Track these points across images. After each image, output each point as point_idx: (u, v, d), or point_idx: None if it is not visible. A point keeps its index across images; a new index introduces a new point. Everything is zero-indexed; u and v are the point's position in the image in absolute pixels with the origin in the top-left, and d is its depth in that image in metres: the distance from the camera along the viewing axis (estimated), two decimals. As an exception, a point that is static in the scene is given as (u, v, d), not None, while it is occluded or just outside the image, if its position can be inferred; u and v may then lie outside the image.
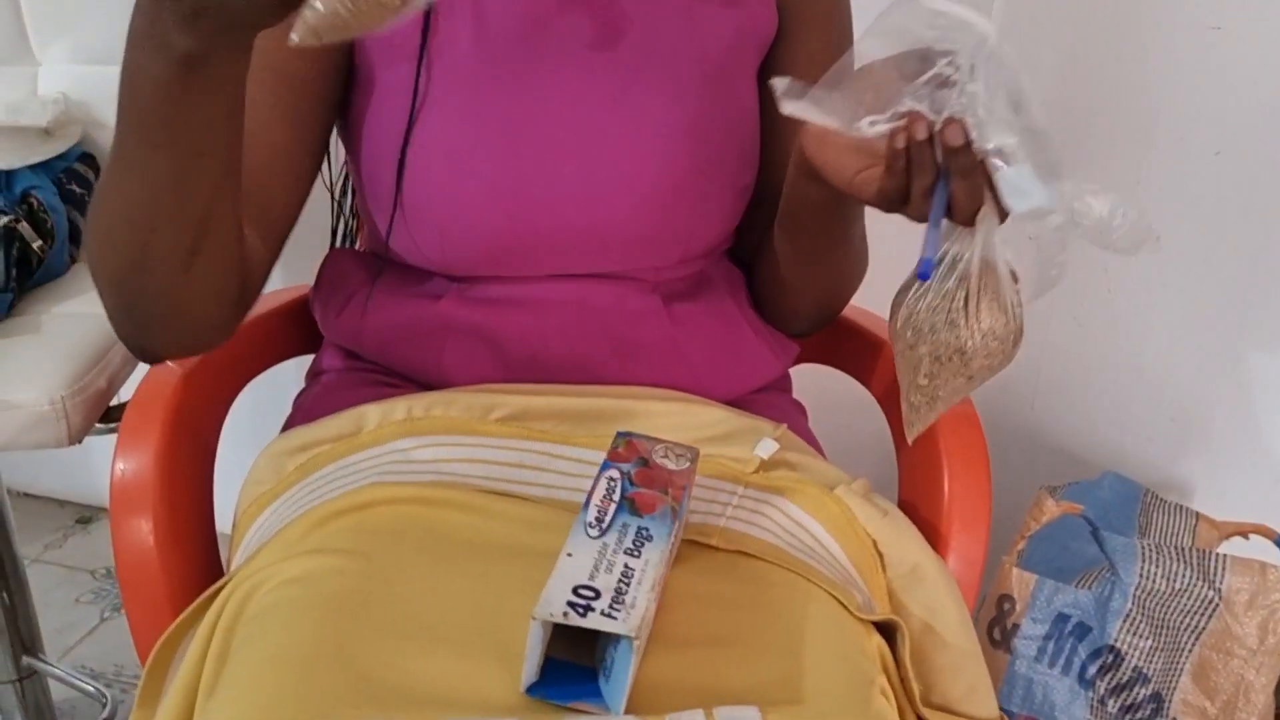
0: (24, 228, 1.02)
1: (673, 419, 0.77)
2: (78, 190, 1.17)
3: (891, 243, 0.81)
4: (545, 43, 0.76)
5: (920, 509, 0.85)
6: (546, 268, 0.78)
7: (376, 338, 0.83)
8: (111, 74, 1.29)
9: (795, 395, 0.93)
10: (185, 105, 0.56)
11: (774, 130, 0.83)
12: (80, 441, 0.95)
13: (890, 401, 0.92)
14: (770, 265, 0.85)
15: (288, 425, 0.88)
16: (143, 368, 1.03)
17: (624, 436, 0.68)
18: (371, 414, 0.78)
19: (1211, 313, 1.28)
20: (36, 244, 1.03)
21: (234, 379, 0.94)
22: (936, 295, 0.67)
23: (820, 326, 0.91)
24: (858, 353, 0.96)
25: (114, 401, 1.01)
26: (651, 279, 0.81)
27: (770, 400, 0.87)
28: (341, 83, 0.79)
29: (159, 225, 0.61)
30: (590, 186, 0.76)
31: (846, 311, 0.91)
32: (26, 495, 1.87)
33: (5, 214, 1.00)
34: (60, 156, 1.16)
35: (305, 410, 0.86)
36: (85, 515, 1.86)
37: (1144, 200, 1.24)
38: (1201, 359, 1.30)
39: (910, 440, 0.74)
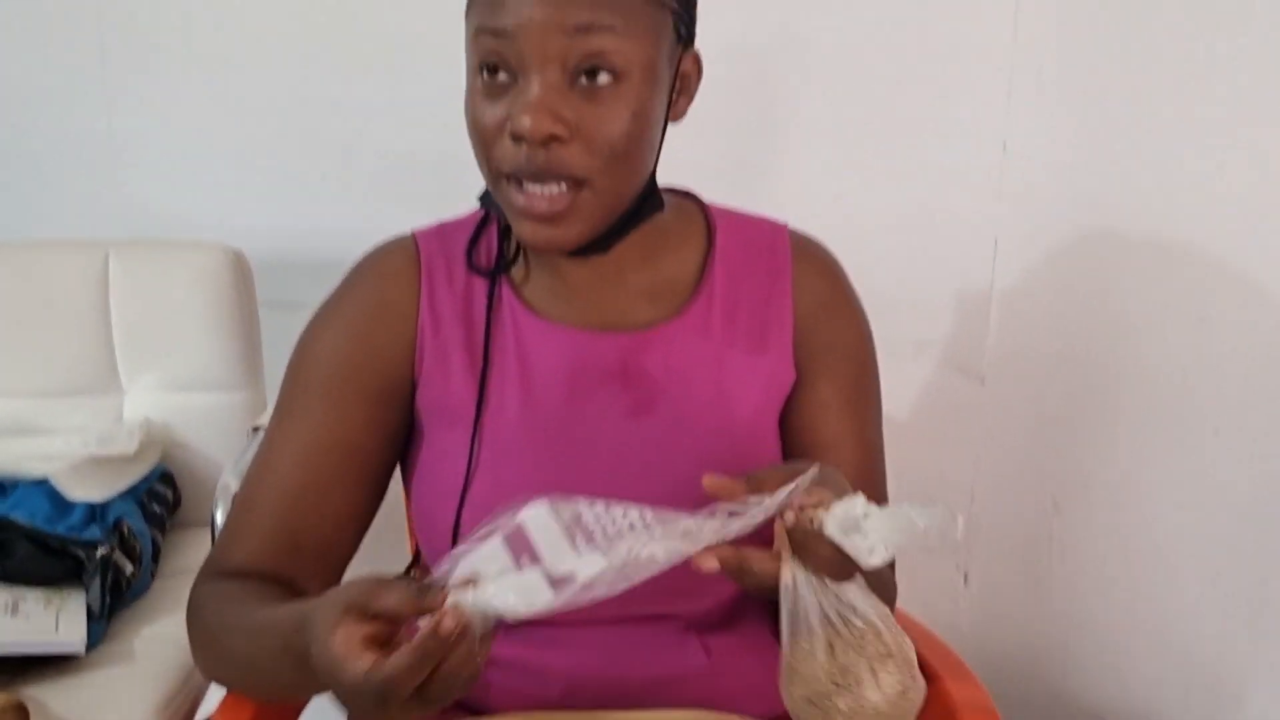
0: (118, 556, 1.09)
1: None
2: (158, 510, 1.25)
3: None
4: (583, 417, 0.83)
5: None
6: (584, 615, 0.84)
7: None
8: (193, 400, 1.40)
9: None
10: None
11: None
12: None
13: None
14: None
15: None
16: (216, 689, 1.09)
17: None
18: None
19: (1229, 581, 1.33)
20: (128, 570, 1.11)
21: (300, 702, 0.99)
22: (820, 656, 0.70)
23: None
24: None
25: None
26: (686, 617, 0.85)
27: None
28: (402, 444, 0.87)
29: (275, 694, 0.79)
30: None
31: None
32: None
33: (102, 545, 1.08)
34: (143, 478, 1.25)
35: None
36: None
37: (1149, 476, 1.33)
38: (1225, 623, 1.34)
39: None
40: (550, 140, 0.72)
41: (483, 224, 0.88)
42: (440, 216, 0.99)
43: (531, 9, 0.71)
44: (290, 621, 0.68)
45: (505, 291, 0.85)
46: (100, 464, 1.20)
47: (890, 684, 0.70)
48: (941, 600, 1.50)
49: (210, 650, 0.81)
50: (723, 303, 0.86)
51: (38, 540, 1.08)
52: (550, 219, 0.75)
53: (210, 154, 1.58)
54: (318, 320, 0.86)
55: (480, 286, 0.85)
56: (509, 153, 0.73)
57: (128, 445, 1.24)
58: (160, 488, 1.28)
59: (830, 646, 0.69)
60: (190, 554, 1.28)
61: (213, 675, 0.84)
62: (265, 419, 1.23)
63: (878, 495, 0.89)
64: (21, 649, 0.98)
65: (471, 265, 0.85)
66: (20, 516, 1.08)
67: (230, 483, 1.07)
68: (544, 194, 0.74)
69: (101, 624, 1.06)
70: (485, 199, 0.84)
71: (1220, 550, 1.34)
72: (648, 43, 0.74)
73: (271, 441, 0.85)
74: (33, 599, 1.05)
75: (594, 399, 0.83)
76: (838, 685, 0.69)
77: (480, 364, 0.83)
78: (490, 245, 0.87)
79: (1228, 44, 1.23)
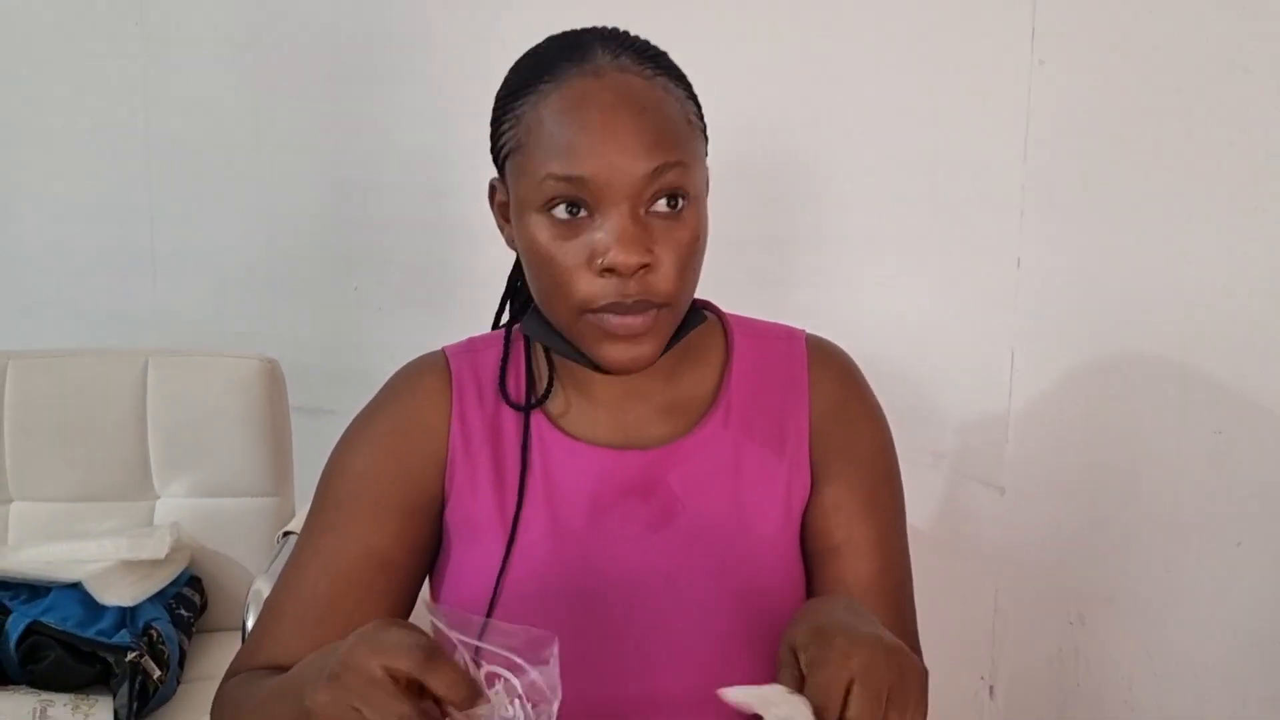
0: (146, 661, 1.10)
1: None
2: (185, 614, 1.27)
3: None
4: (605, 532, 0.84)
5: None
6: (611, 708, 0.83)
7: None
8: (223, 506, 1.41)
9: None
10: None
11: (820, 579, 0.87)
12: None
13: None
14: None
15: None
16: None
17: None
18: None
19: (1258, 696, 1.31)
20: (156, 675, 1.11)
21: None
22: None
23: None
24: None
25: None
26: None
27: None
28: (431, 557, 0.88)
29: None
30: (645, 660, 0.82)
31: None
32: None
33: (133, 650, 1.09)
34: (171, 582, 1.27)
35: None
36: None
37: (1173, 589, 1.32)
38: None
39: None
40: (641, 269, 0.75)
41: (507, 346, 0.90)
42: (465, 327, 1.02)
43: (612, 158, 0.74)
44: (304, 661, 0.70)
45: (538, 417, 0.87)
46: (131, 568, 1.22)
47: None
48: (967, 714, 1.48)
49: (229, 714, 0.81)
50: (740, 414, 0.88)
51: (69, 645, 1.09)
52: (635, 340, 0.77)
53: (246, 266, 1.64)
54: (351, 435, 0.88)
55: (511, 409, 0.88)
56: (597, 286, 0.76)
57: (158, 550, 1.26)
58: (188, 592, 1.29)
59: None
60: (216, 659, 1.28)
61: None
62: (294, 524, 1.26)
63: (897, 600, 0.88)
64: (49, 755, 0.98)
65: (505, 397, 0.87)
66: (53, 621, 1.10)
67: (262, 588, 1.08)
68: (634, 320, 0.76)
69: (128, 730, 1.07)
70: (510, 328, 0.88)
71: (1248, 665, 1.32)
72: (700, 165, 0.80)
73: (303, 551, 0.86)
74: (60, 704, 1.06)
75: (616, 514, 0.85)
76: None
77: (507, 481, 0.85)
78: (518, 370, 0.89)
79: (1243, 155, 1.27)
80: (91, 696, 1.08)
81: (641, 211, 0.76)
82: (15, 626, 1.09)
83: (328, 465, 0.88)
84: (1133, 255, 1.31)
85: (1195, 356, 1.31)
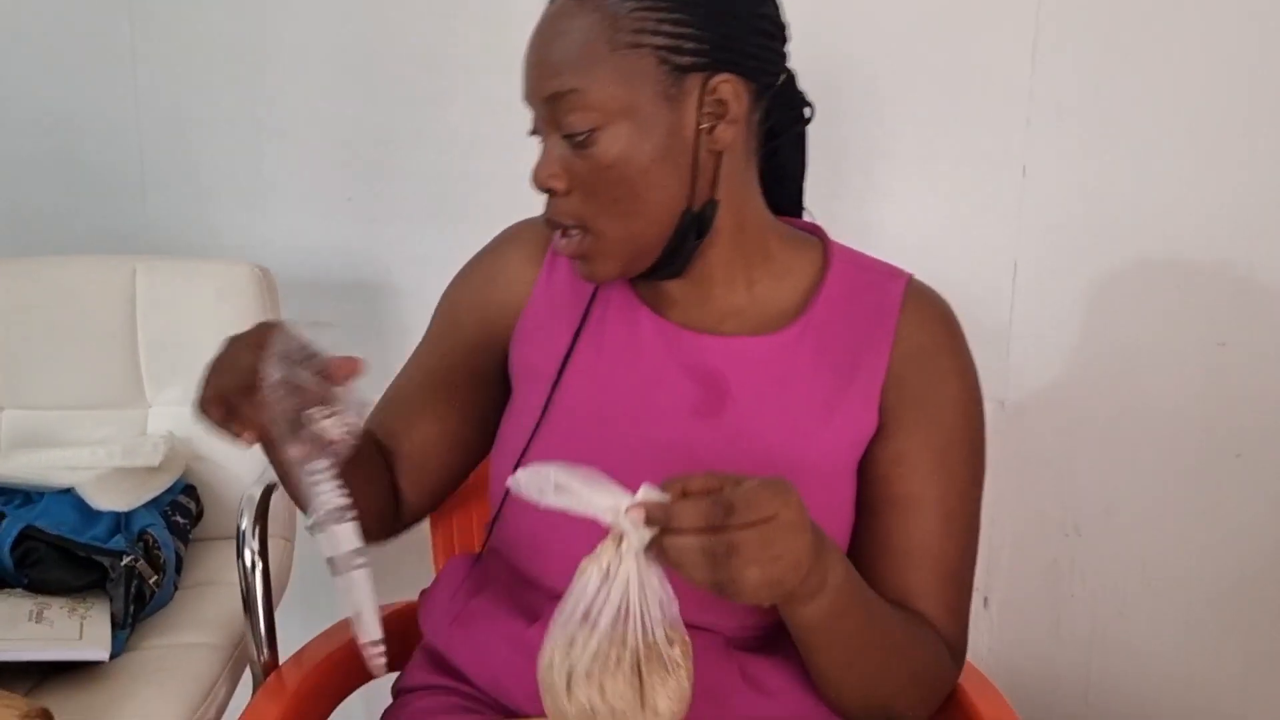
0: (142, 565, 1.10)
1: None
2: (181, 521, 1.26)
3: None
4: (651, 404, 0.86)
5: None
6: None
7: (467, 647, 0.90)
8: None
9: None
10: None
11: (872, 531, 0.85)
12: (187, 776, 1.00)
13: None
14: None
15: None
16: (240, 695, 1.09)
17: None
18: None
19: (1250, 606, 1.32)
20: (152, 579, 1.11)
21: (326, 705, 0.99)
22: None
23: None
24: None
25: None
26: (725, 634, 0.84)
27: None
28: (494, 395, 0.96)
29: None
30: None
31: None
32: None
33: (128, 554, 1.09)
34: (167, 490, 1.26)
35: None
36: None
37: (1171, 500, 1.32)
38: (1245, 648, 1.33)
39: None
40: (551, 193, 0.82)
41: None
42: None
43: (526, 85, 0.82)
44: None
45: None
46: (126, 475, 1.21)
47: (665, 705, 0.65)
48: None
49: None
50: (818, 334, 0.86)
51: (64, 549, 1.08)
52: (578, 257, 0.84)
53: (237, 176, 1.61)
54: (459, 272, 0.98)
55: None
56: (545, 201, 0.84)
57: (152, 457, 1.25)
58: (184, 500, 1.29)
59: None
60: (213, 566, 1.28)
61: None
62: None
63: (951, 574, 0.85)
64: (46, 655, 0.98)
65: None
66: (47, 525, 1.09)
67: (255, 493, 1.07)
68: (562, 240, 0.84)
69: (125, 632, 1.07)
70: None
71: (1244, 576, 1.33)
72: (619, 92, 0.78)
73: (403, 379, 0.98)
74: (57, 607, 1.06)
75: (664, 389, 0.86)
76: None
77: (569, 335, 0.89)
78: None
79: (1248, 67, 1.24)
80: (88, 599, 1.08)
81: (560, 136, 0.80)
82: (9, 531, 1.08)
83: (439, 302, 1.00)
84: (1140, 165, 1.29)
85: (1199, 269, 1.29)
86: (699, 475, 0.66)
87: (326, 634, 1.03)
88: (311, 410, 0.70)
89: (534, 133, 0.83)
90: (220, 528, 1.35)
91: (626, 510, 0.63)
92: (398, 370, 0.99)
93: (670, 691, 0.65)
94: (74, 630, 1.02)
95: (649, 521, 0.63)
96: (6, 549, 1.07)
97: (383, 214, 1.57)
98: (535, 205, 0.97)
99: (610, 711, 0.64)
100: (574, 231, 0.82)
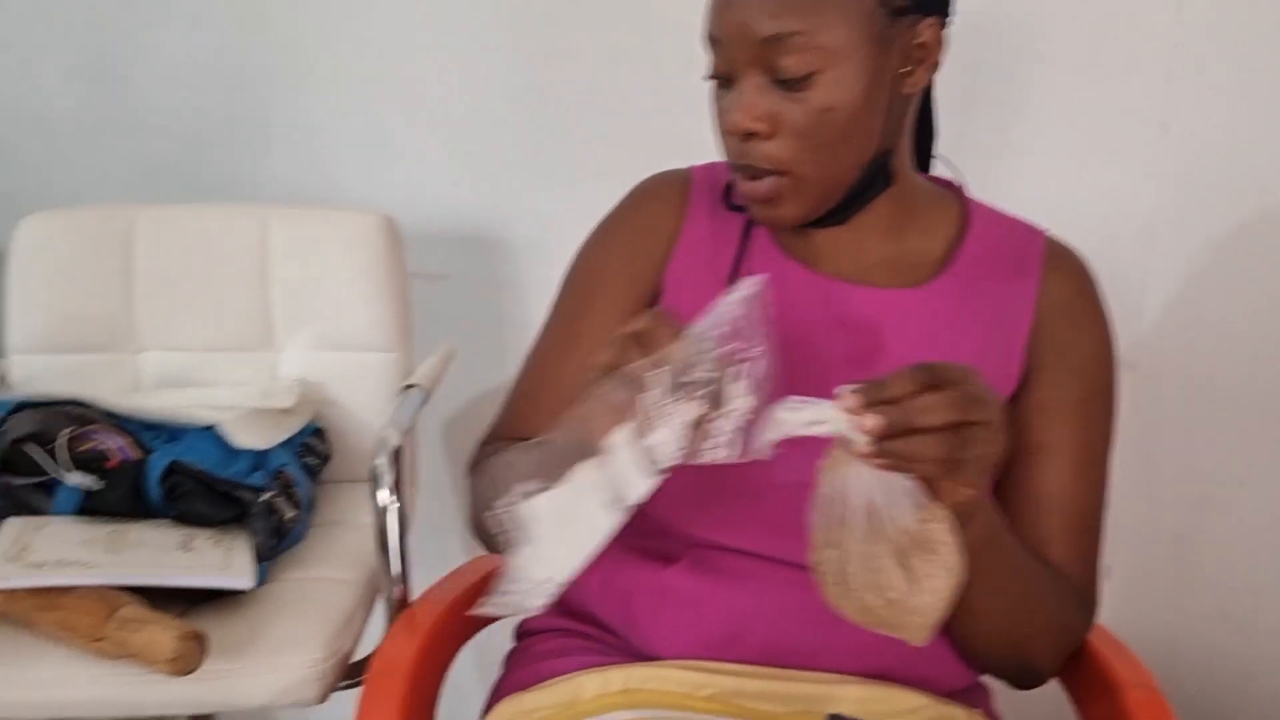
0: (280, 501, 1.14)
1: (873, 704, 0.81)
2: (311, 462, 1.30)
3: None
4: (802, 356, 0.83)
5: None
6: (765, 548, 0.85)
7: (600, 590, 0.90)
8: (344, 360, 1.45)
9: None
10: None
11: (1010, 479, 0.86)
12: (325, 700, 1.04)
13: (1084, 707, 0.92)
14: None
15: (502, 685, 0.95)
16: (374, 628, 1.13)
17: (834, 719, 0.73)
18: (589, 684, 0.85)
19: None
20: (289, 515, 1.16)
21: (455, 643, 1.02)
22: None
23: (1006, 677, 0.88)
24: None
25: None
26: None
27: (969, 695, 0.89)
28: None
29: None
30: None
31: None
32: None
33: (267, 491, 1.13)
34: (298, 432, 1.30)
35: (521, 674, 0.93)
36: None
37: None
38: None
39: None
40: (750, 136, 0.79)
41: None
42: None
43: (729, 24, 0.79)
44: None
45: (760, 231, 0.90)
46: (262, 415, 1.25)
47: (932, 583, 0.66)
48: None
49: (491, 492, 0.84)
50: (963, 288, 0.87)
51: (208, 484, 1.13)
52: (766, 202, 0.82)
53: (359, 128, 1.64)
54: (591, 238, 0.96)
55: (739, 219, 0.91)
56: (730, 147, 0.82)
57: (285, 399, 1.29)
58: (314, 442, 1.33)
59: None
60: (339, 507, 1.33)
61: (488, 524, 0.85)
62: (417, 378, 1.28)
63: (1084, 524, 0.86)
64: (196, 582, 1.03)
65: (729, 204, 0.91)
66: (192, 461, 1.14)
67: (390, 435, 1.11)
68: (755, 184, 0.81)
69: (265, 565, 1.11)
70: None
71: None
72: (841, 34, 0.77)
73: (550, 336, 0.95)
74: (203, 538, 1.11)
75: (817, 342, 0.86)
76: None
77: (718, 286, 0.87)
78: None
79: None
80: (230, 533, 1.12)
81: (765, 79, 0.78)
82: (157, 465, 1.13)
83: (573, 260, 0.97)
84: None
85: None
86: (895, 377, 0.63)
87: (452, 576, 1.06)
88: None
89: (715, 77, 0.82)
90: (346, 470, 1.39)
91: (852, 412, 0.62)
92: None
93: (939, 568, 0.65)
94: (220, 560, 1.06)
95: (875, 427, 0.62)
96: (155, 482, 1.12)
97: (503, 168, 1.59)
98: (660, 160, 0.97)
99: (888, 604, 0.65)
100: (774, 177, 0.81)
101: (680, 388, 0.64)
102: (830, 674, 0.83)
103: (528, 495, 0.69)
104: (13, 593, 1.00)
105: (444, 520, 1.56)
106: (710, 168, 0.94)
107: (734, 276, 0.89)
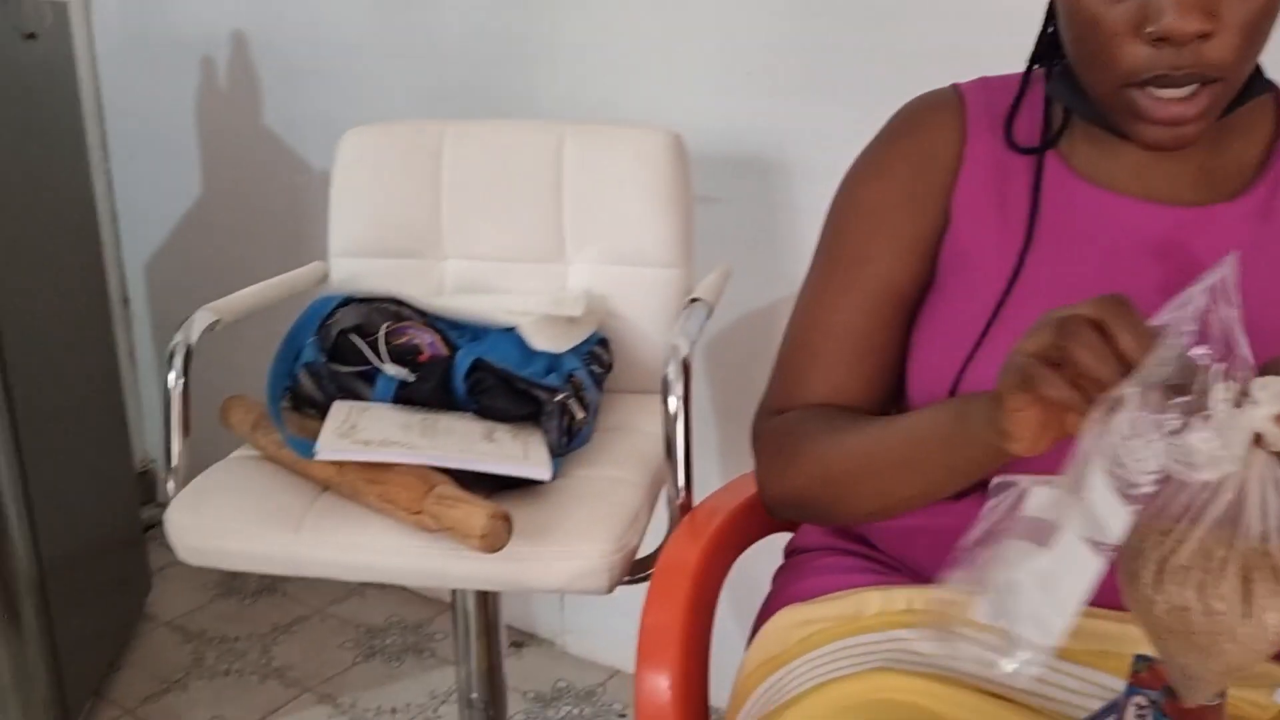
0: (572, 403, 1.21)
1: None
2: (597, 370, 1.36)
3: None
4: (1117, 285, 0.78)
5: None
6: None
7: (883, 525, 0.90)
8: (628, 274, 1.47)
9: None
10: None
11: None
12: (612, 590, 1.10)
13: None
14: None
15: (775, 598, 0.97)
16: (655, 530, 1.18)
17: (1145, 661, 0.68)
18: (873, 600, 0.85)
19: None
20: (579, 416, 1.22)
21: (733, 551, 1.05)
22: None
23: None
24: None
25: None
26: None
27: None
28: (922, 289, 0.88)
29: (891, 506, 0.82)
30: None
31: None
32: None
33: (561, 392, 1.20)
34: (585, 341, 1.37)
35: (798, 585, 0.94)
36: (518, 640, 2.07)
37: None
38: None
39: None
40: (1202, 37, 0.69)
41: (1024, 85, 0.86)
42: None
43: None
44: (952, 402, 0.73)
45: (1052, 155, 0.84)
46: (555, 322, 1.32)
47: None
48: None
49: (795, 464, 0.85)
50: None
51: (508, 381, 1.21)
52: (1178, 122, 0.72)
53: (641, 48, 1.67)
54: (861, 169, 0.89)
55: (1027, 142, 0.85)
56: (1144, 56, 0.70)
57: (575, 308, 1.36)
58: (599, 350, 1.39)
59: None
60: (618, 414, 1.39)
61: (793, 489, 0.86)
62: (700, 292, 1.31)
63: None
64: (501, 469, 1.10)
65: (1010, 139, 0.84)
66: (494, 359, 1.22)
67: (681, 344, 1.14)
68: (1177, 96, 0.71)
69: (558, 460, 1.18)
70: (1030, 68, 0.84)
71: None
72: None
73: (824, 287, 0.89)
74: (501, 431, 1.18)
75: (1127, 271, 0.80)
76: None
77: (1011, 220, 0.83)
78: (1032, 112, 0.85)
79: None
80: (527, 428, 1.20)
81: None
82: (463, 361, 1.21)
83: (838, 202, 0.90)
84: None
85: None
86: None
87: (730, 487, 1.08)
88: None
89: None
90: (626, 381, 1.45)
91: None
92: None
93: None
94: (519, 451, 1.13)
95: None
96: (461, 377, 1.21)
97: (781, 89, 1.58)
98: (940, 79, 0.90)
99: (1205, 610, 0.58)
100: (1206, 84, 0.71)
101: (1155, 395, 0.55)
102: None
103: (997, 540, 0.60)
104: (344, 465, 1.11)
105: (702, 433, 1.60)
106: (981, 86, 0.87)
107: (1033, 205, 0.82)
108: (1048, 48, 0.84)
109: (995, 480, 0.62)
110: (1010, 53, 0.88)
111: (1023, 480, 0.61)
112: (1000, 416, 0.63)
